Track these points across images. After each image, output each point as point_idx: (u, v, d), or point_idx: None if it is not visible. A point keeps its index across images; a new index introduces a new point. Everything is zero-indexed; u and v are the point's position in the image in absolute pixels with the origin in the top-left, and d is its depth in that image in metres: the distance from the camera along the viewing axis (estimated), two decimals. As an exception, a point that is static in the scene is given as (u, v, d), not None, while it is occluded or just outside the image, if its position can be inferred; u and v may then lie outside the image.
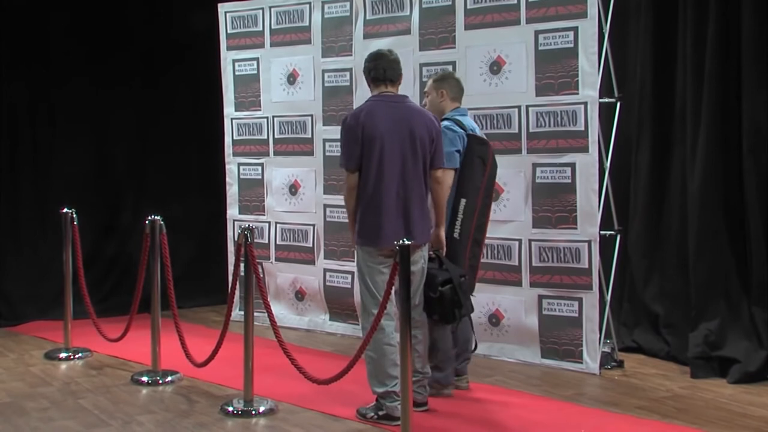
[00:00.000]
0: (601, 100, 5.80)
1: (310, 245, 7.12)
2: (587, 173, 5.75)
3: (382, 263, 4.71)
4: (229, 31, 7.58)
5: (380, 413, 4.74)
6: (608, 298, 5.90)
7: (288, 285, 7.29)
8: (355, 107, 6.74)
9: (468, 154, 5.12)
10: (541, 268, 5.95)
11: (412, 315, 4.68)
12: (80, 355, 6.31)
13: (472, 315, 5.20)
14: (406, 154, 4.70)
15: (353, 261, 6.81)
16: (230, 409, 5.00)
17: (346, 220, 5.85)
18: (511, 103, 6.03)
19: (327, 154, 6.98)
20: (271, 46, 7.33)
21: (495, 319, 6.15)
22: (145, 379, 5.65)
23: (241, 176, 7.55)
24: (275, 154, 7.33)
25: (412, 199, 4.72)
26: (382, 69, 4.81)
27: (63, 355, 6.30)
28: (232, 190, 7.62)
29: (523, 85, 5.99)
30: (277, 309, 6.80)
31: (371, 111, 4.74)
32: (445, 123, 5.13)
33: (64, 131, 7.80)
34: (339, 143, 4.91)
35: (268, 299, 5.50)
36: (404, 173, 4.70)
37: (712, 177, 5.83)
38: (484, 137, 5.36)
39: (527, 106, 5.97)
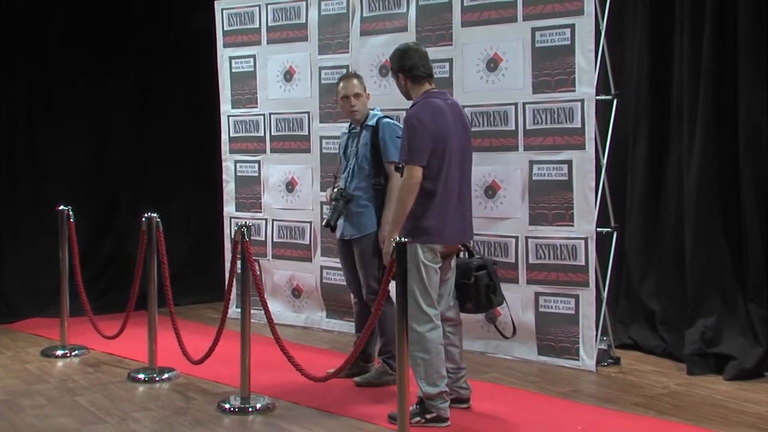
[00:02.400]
0: (597, 97, 5.79)
1: (307, 242, 7.12)
2: (584, 170, 5.75)
3: (438, 262, 4.64)
4: (225, 29, 7.57)
5: (428, 416, 4.61)
6: (605, 295, 5.90)
7: (285, 282, 7.29)
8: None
9: None
10: (537, 265, 5.95)
11: (452, 315, 4.80)
12: (77, 352, 6.31)
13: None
14: (464, 152, 4.74)
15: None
16: (227, 406, 5.00)
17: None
18: (508, 100, 6.03)
19: (324, 151, 6.97)
20: (267, 43, 7.32)
21: (492, 316, 6.14)
22: (141, 376, 5.65)
23: (238, 173, 7.54)
24: (272, 151, 7.32)
25: (467, 195, 4.79)
26: (420, 66, 4.73)
27: (59, 352, 6.29)
28: (229, 188, 7.61)
29: (520, 83, 5.98)
30: (273, 306, 6.79)
31: (438, 109, 4.64)
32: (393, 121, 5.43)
33: (61, 129, 7.80)
34: (400, 140, 4.74)
35: (265, 296, 5.50)
36: (462, 171, 4.72)
37: (708, 174, 5.83)
38: None
39: (524, 104, 5.97)
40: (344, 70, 6.77)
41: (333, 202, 5.35)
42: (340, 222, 5.38)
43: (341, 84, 5.46)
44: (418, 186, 4.55)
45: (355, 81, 5.43)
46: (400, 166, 4.71)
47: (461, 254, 4.94)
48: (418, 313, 4.55)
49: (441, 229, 4.60)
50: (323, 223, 5.48)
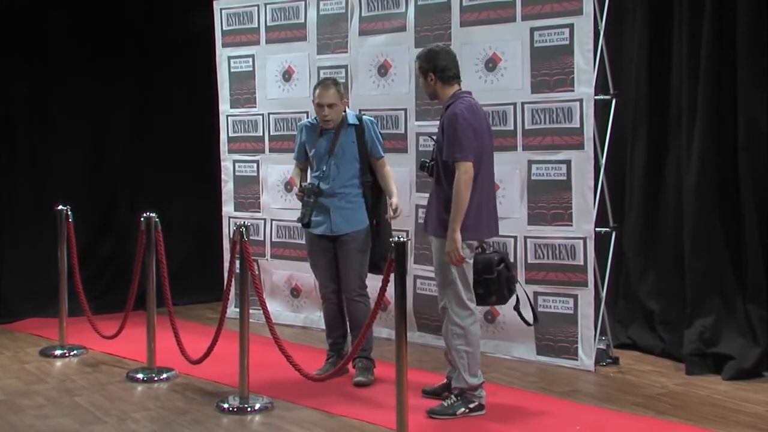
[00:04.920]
0: (596, 97, 5.79)
1: (306, 242, 7.10)
2: (583, 170, 5.75)
3: (472, 258, 4.85)
4: (224, 28, 7.56)
5: (472, 406, 4.81)
6: (603, 295, 5.90)
7: (283, 282, 7.29)
8: (350, 104, 6.77)
9: None
10: (536, 265, 5.95)
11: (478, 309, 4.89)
12: (75, 352, 6.31)
13: None
14: (492, 150, 4.94)
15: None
16: (226, 406, 5.01)
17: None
18: (507, 100, 6.03)
19: (323, 151, 6.97)
20: (266, 43, 7.32)
21: (490, 316, 6.16)
22: (140, 376, 5.65)
23: (237, 173, 7.54)
24: (270, 151, 7.32)
25: (494, 191, 5.02)
26: (452, 67, 4.86)
27: (58, 352, 6.30)
28: (228, 187, 7.61)
29: (519, 82, 5.99)
30: (272, 306, 6.80)
31: (476, 107, 4.84)
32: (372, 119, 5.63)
33: (61, 129, 7.80)
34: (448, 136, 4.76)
35: (264, 296, 5.50)
36: (492, 168, 4.94)
37: (707, 174, 5.83)
38: None
39: (523, 103, 5.97)
40: (342, 70, 6.79)
41: (305, 198, 5.35)
42: (322, 218, 5.41)
43: (317, 91, 5.40)
44: (472, 180, 4.66)
45: (332, 91, 5.35)
46: (427, 165, 4.88)
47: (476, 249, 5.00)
48: (461, 308, 4.74)
49: (479, 224, 4.77)
50: (298, 220, 5.44)
